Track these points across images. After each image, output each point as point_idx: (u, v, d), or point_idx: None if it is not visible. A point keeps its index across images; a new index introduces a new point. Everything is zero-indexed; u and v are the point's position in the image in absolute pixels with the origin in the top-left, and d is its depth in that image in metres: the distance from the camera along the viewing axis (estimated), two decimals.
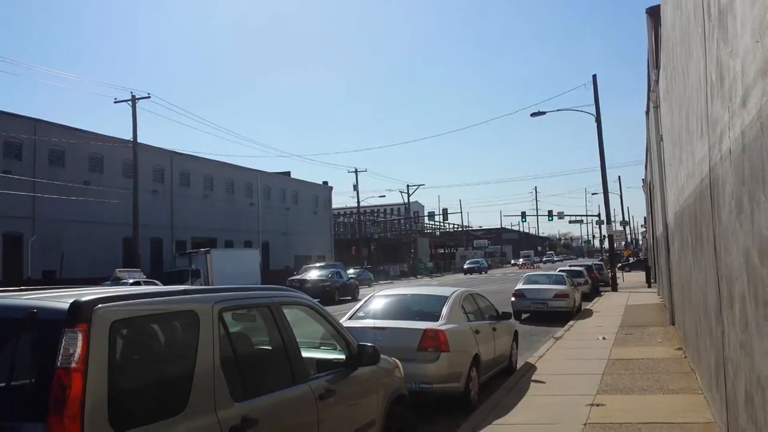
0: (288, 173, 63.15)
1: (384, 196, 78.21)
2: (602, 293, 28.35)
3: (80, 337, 2.68)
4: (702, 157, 5.65)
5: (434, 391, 7.41)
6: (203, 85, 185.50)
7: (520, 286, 19.96)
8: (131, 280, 26.94)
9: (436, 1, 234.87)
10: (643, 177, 33.80)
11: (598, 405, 7.35)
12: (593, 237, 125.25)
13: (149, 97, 34.84)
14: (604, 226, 39.16)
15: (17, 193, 31.45)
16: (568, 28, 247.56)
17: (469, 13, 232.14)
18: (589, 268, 30.25)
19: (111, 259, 37.80)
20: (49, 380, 2.62)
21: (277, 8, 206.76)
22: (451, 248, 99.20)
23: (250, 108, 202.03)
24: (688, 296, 9.35)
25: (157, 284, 23.42)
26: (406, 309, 8.58)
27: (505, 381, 9.13)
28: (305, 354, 4.41)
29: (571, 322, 16.62)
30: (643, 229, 59.61)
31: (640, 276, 38.58)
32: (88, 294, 2.93)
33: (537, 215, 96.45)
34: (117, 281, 27.12)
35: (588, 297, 24.87)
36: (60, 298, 2.95)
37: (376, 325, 7.79)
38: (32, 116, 34.62)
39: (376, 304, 8.79)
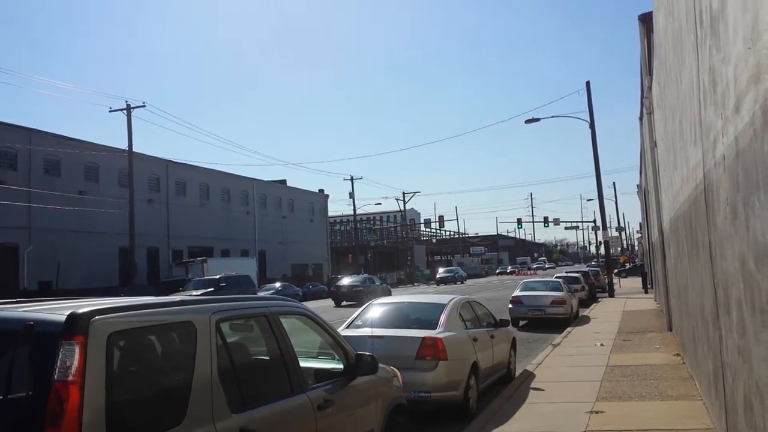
0: (284, 181, 63.24)
1: (380, 203, 78.71)
2: (599, 299, 28.37)
3: (77, 349, 2.66)
4: (696, 163, 5.67)
5: (433, 400, 7.38)
6: (198, 94, 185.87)
7: (517, 293, 20.01)
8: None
9: (432, 9, 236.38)
10: (638, 183, 33.92)
11: (597, 412, 7.33)
12: (589, 243, 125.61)
13: (144, 105, 34.88)
14: (599, 232, 39.22)
15: (12, 204, 31.38)
16: (562, 35, 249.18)
17: (465, 21, 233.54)
18: (585, 274, 30.25)
19: (107, 269, 37.79)
20: (46, 393, 2.60)
21: (272, 17, 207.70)
22: (448, 255, 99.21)
23: (245, 116, 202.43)
24: (685, 302, 9.36)
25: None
26: (403, 317, 8.56)
27: (503, 389, 9.11)
28: (303, 364, 4.39)
29: (568, 329, 16.62)
30: (639, 235, 59.68)
31: (636, 282, 38.64)
32: (84, 306, 2.92)
33: (533, 222, 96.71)
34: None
35: (585, 303, 24.84)
36: (56, 310, 2.92)
37: (373, 334, 7.76)
38: (27, 126, 34.67)
39: (373, 313, 8.76)
